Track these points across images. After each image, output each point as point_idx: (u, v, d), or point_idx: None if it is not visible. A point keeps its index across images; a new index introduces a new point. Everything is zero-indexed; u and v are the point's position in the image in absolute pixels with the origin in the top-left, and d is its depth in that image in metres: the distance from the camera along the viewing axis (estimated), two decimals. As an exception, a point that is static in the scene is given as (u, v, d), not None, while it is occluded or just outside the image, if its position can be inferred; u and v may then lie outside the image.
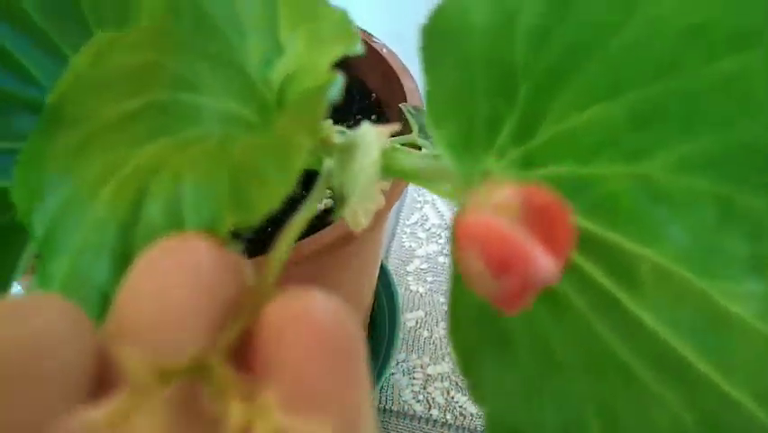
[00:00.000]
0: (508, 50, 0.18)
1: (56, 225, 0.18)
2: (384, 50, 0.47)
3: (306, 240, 0.33)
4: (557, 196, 0.15)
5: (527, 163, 0.20)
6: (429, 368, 0.48)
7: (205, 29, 0.20)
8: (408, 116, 0.46)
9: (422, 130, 0.46)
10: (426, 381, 0.48)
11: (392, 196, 0.36)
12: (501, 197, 0.14)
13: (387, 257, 0.55)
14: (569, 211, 0.14)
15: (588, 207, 0.19)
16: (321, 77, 0.18)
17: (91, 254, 0.18)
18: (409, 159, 0.21)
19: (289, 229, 0.17)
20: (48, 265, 0.18)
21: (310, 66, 0.19)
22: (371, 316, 0.49)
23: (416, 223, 0.58)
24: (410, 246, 0.56)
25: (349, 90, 0.50)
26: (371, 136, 0.21)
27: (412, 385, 0.47)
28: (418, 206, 0.60)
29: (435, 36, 0.18)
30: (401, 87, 0.47)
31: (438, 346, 0.50)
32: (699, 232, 0.18)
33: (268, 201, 0.16)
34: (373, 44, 0.48)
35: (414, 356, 0.49)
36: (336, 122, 0.48)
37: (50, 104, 0.19)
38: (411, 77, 0.47)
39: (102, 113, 0.19)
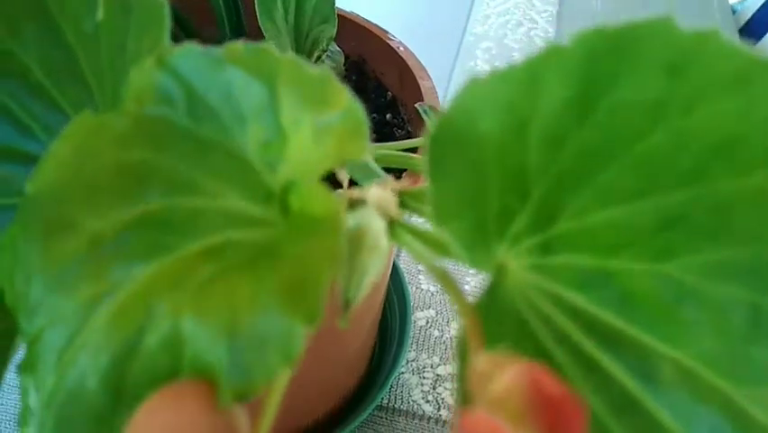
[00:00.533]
0: (521, 154, 0.17)
1: (44, 336, 0.17)
2: (401, 48, 0.46)
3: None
4: (567, 386, 0.14)
5: (544, 251, 0.19)
6: (439, 368, 0.48)
7: (201, 115, 0.18)
8: (424, 117, 0.45)
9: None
10: (436, 381, 0.48)
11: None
12: (504, 384, 0.13)
13: (398, 255, 0.54)
14: (580, 404, 0.13)
15: (608, 300, 0.19)
16: (327, 203, 0.17)
17: (81, 375, 0.17)
18: (422, 249, 0.20)
19: (276, 387, 0.16)
20: (37, 370, 0.17)
21: (317, 166, 0.18)
22: (382, 314, 0.49)
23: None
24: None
25: (364, 88, 0.49)
26: (379, 225, 0.20)
27: (422, 385, 0.47)
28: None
29: (442, 143, 0.17)
30: (418, 86, 0.46)
31: (449, 346, 0.49)
32: (727, 336, 0.17)
33: (265, 378, 0.15)
34: (390, 42, 0.46)
35: (424, 356, 0.49)
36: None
37: (31, 195, 0.18)
38: (428, 76, 0.46)
39: (91, 224, 0.18)
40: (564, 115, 0.17)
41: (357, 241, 0.20)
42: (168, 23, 0.22)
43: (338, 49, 0.46)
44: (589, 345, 0.19)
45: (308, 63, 0.19)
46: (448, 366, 0.48)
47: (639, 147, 0.16)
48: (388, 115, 0.48)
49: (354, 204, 0.25)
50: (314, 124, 0.18)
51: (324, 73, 0.18)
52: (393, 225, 0.23)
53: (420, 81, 0.46)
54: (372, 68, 0.49)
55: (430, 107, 0.46)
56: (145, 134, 0.18)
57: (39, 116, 0.24)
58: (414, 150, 0.43)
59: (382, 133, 0.47)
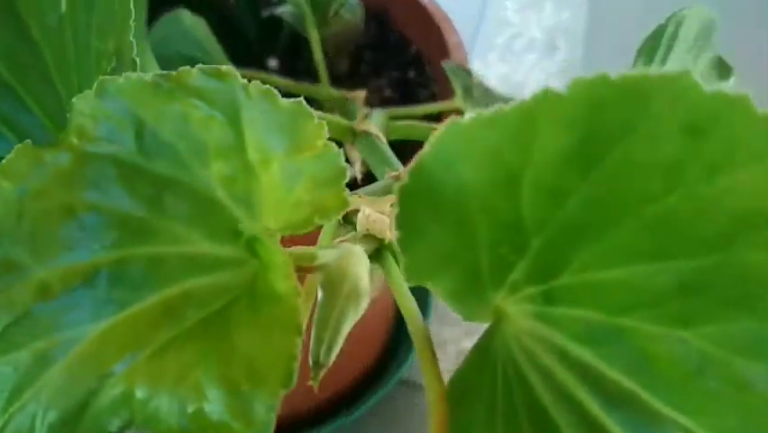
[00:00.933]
0: (513, 205, 0.15)
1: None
2: (425, 0, 0.42)
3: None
4: None
5: (547, 301, 0.17)
6: (462, 342, 0.47)
7: (154, 151, 0.16)
8: (451, 76, 0.42)
9: (466, 92, 0.42)
10: (459, 355, 0.46)
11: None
12: None
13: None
14: None
15: (619, 358, 0.17)
16: (288, 283, 0.15)
17: (31, 424, 0.16)
18: (406, 292, 0.18)
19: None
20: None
21: (291, 215, 0.16)
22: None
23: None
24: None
25: (385, 42, 0.46)
26: (361, 265, 0.18)
27: (444, 360, 0.46)
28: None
29: (416, 194, 0.15)
30: (444, 41, 0.43)
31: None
32: (750, 413, 0.15)
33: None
34: (413, -8, 0.43)
35: (446, 329, 0.47)
36: (369, 79, 0.45)
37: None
38: (454, 29, 0.43)
39: (38, 272, 0.16)
40: (563, 167, 0.14)
41: (334, 286, 0.18)
42: (131, 23, 0.20)
43: (357, 0, 0.43)
44: (594, 406, 0.17)
45: (278, 95, 0.16)
46: (472, 339, 0.46)
47: (653, 208, 0.14)
48: (411, 73, 0.45)
49: (347, 216, 0.23)
50: (284, 168, 0.16)
51: (297, 108, 0.16)
52: (383, 251, 0.21)
53: (446, 36, 0.43)
54: (394, 20, 0.46)
55: (458, 67, 0.42)
56: (91, 174, 0.17)
57: (5, 115, 0.23)
58: (438, 116, 0.40)
59: (404, 92, 0.44)
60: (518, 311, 0.18)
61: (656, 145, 0.13)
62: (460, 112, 0.41)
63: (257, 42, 0.46)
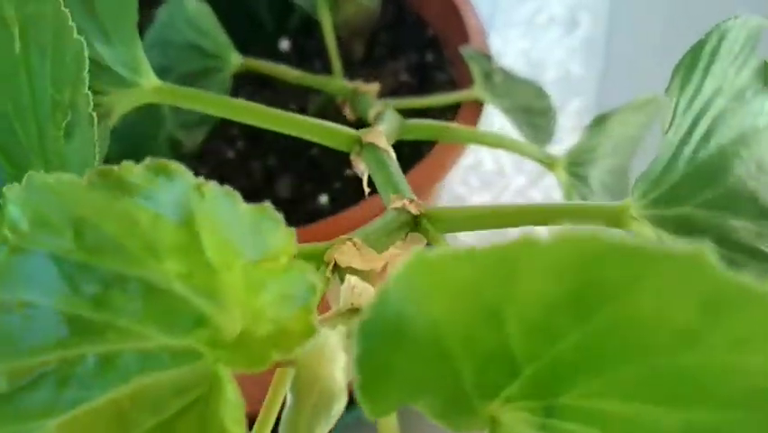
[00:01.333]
0: (499, 339, 0.13)
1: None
2: (445, -18, 0.39)
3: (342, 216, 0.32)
4: None
5: (549, 414, 0.15)
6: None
7: (99, 248, 0.15)
8: (470, 63, 0.39)
9: (486, 79, 0.39)
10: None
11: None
12: None
13: (436, 204, 0.50)
14: None
15: None
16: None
17: None
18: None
19: None
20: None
21: (255, 327, 0.14)
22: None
23: (470, 167, 0.52)
24: (461, 193, 0.50)
25: (402, 23, 0.43)
26: (337, 353, 0.16)
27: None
28: (473, 148, 0.52)
29: (381, 332, 0.12)
30: (462, 23, 0.40)
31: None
32: None
33: None
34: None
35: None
36: (385, 62, 0.42)
37: None
38: (474, 13, 0.39)
39: None
40: (552, 312, 0.12)
41: (303, 389, 0.16)
42: (85, 74, 0.18)
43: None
44: None
45: (237, 197, 0.14)
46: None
47: (662, 361, 0.12)
48: (428, 56, 0.42)
49: (338, 269, 0.21)
50: (246, 275, 0.14)
51: (260, 215, 0.14)
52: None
53: (465, 18, 0.40)
54: (411, 3, 0.43)
55: (477, 52, 0.39)
56: (28, 270, 0.15)
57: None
58: (456, 107, 0.38)
59: (421, 76, 0.41)
60: (516, 419, 0.16)
61: (665, 309, 0.11)
62: (478, 102, 0.38)
63: (269, 23, 0.43)
